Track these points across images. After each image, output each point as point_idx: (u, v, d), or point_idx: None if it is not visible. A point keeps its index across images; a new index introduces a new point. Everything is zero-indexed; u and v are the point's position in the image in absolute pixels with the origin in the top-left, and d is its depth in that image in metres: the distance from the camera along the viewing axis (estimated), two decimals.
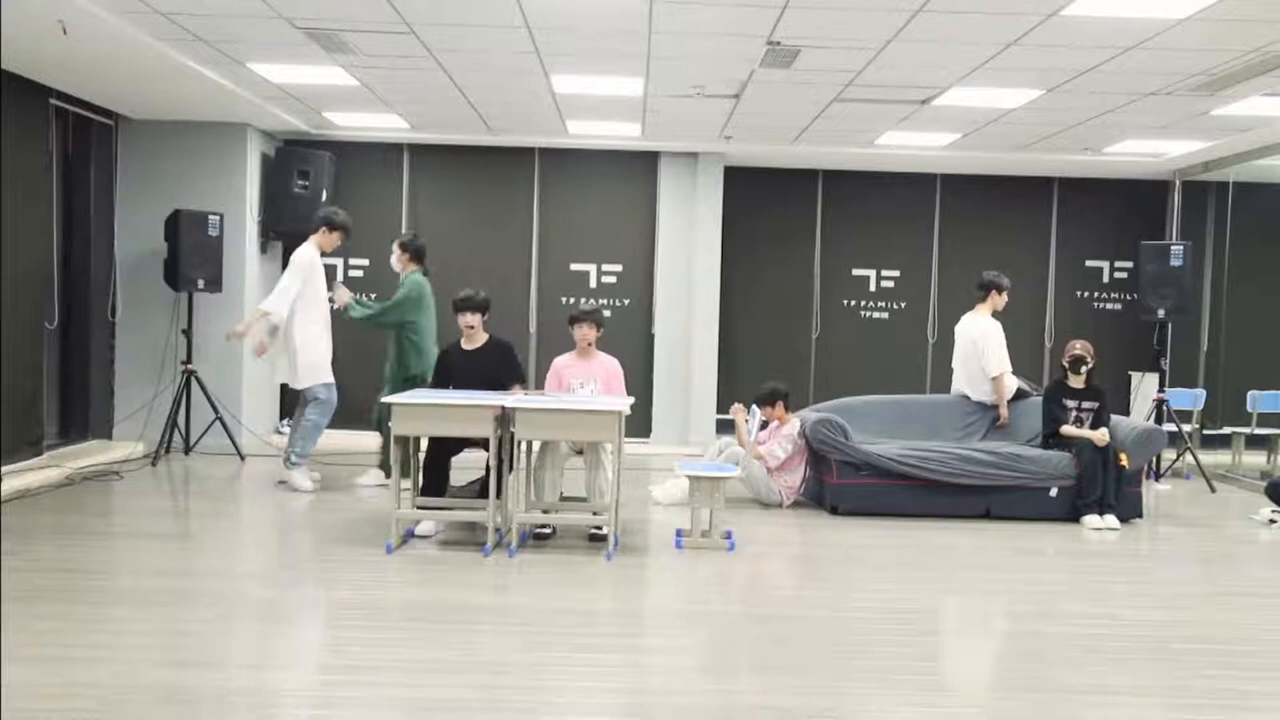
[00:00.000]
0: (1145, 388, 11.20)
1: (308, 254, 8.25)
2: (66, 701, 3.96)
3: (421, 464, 6.88)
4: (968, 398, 8.83)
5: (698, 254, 11.47)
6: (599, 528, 6.81)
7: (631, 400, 7.09)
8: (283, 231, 10.82)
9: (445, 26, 7.09)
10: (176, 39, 7.44)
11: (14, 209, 8.31)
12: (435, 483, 6.94)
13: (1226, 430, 10.92)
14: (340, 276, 11.48)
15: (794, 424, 8.27)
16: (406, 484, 6.70)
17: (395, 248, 8.44)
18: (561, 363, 7.54)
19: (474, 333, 7.31)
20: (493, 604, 5.59)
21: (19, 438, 8.55)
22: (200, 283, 9.68)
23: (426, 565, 6.24)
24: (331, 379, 8.39)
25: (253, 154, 10.49)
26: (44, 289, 9.11)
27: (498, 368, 7.22)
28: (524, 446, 6.77)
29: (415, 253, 8.38)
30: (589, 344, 7.45)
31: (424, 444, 6.92)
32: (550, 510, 6.96)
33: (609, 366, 7.50)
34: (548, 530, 6.94)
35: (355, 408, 11.18)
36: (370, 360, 11.35)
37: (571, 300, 11.43)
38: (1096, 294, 12.37)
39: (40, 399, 8.98)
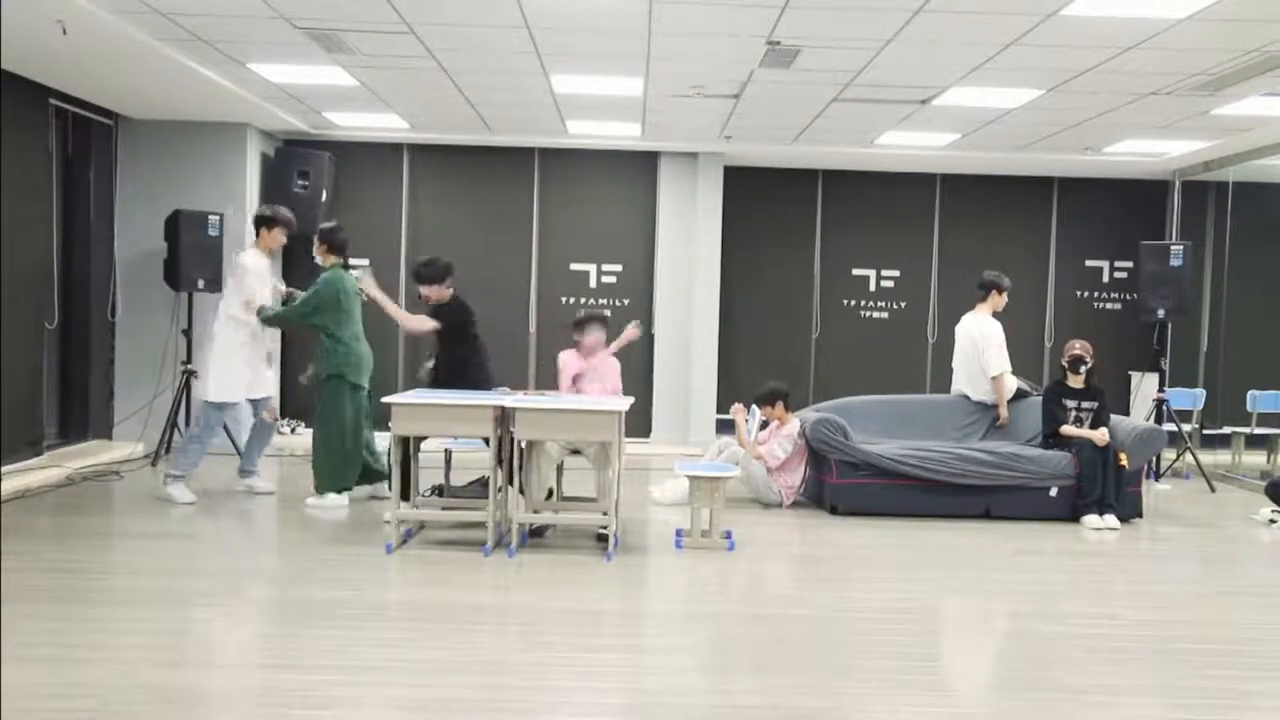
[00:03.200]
0: (1145, 388, 11.19)
1: (259, 259, 7.90)
2: (66, 701, 3.97)
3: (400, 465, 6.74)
4: (968, 398, 8.82)
5: (698, 254, 11.47)
6: (605, 527, 6.81)
7: (631, 400, 7.10)
8: None
9: (445, 26, 7.09)
10: (176, 39, 7.44)
11: (14, 209, 8.31)
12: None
13: (1226, 430, 10.92)
14: None
15: (794, 424, 8.27)
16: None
17: (315, 238, 7.86)
18: (570, 359, 7.54)
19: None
20: (493, 604, 5.59)
21: (19, 438, 8.55)
22: (200, 283, 9.66)
23: (426, 565, 6.25)
24: (235, 400, 7.85)
25: (253, 154, 10.48)
26: (44, 289, 9.12)
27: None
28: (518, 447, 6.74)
29: (335, 244, 7.70)
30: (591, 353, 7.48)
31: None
32: (539, 509, 6.93)
33: (614, 369, 7.53)
34: (540, 528, 6.93)
35: None
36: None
37: (571, 300, 11.43)
38: (1096, 294, 12.37)
39: (40, 399, 8.98)
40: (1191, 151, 10.64)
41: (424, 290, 7.49)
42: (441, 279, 7.49)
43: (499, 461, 6.57)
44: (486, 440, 6.57)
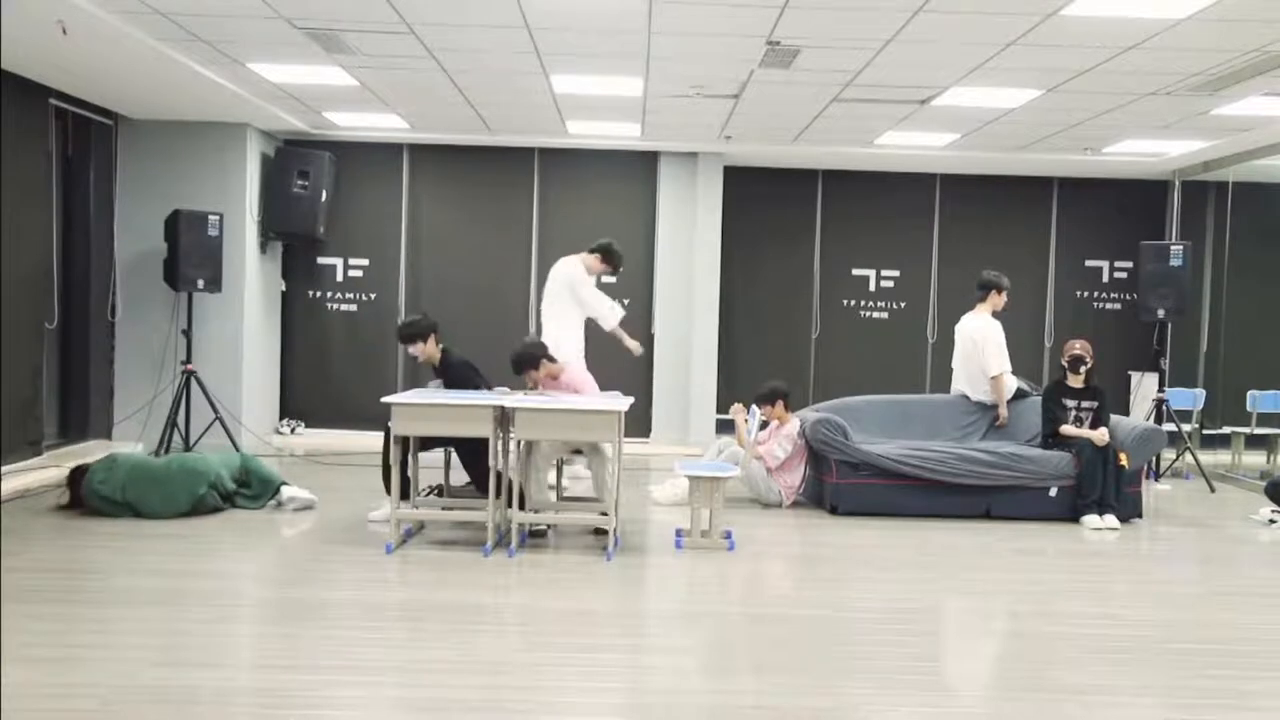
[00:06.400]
0: (1145, 388, 11.20)
1: (580, 272, 8.43)
2: (66, 701, 3.97)
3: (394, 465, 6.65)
4: (967, 398, 8.82)
5: (698, 254, 11.46)
6: (604, 518, 6.81)
7: (631, 400, 7.09)
8: (282, 231, 10.83)
9: (445, 26, 7.09)
10: (176, 39, 7.44)
11: (14, 209, 8.30)
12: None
13: (1226, 430, 10.92)
14: (340, 276, 11.51)
15: (794, 424, 8.27)
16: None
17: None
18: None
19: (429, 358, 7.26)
20: (493, 604, 5.59)
21: (19, 438, 8.55)
22: (200, 283, 9.66)
23: (426, 565, 6.24)
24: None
25: (253, 154, 10.48)
26: (44, 289, 9.11)
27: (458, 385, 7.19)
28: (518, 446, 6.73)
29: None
30: (537, 386, 7.31)
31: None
32: (541, 510, 6.93)
33: (575, 380, 7.46)
34: (542, 527, 6.93)
35: (349, 407, 11.25)
36: (369, 360, 11.40)
37: None
38: (1096, 294, 12.36)
39: (40, 399, 8.98)
40: (1191, 151, 10.64)
41: (412, 350, 7.24)
42: (424, 337, 7.15)
43: (499, 461, 6.56)
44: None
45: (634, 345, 8.59)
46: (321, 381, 11.48)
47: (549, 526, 7.01)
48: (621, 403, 6.79)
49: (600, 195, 11.63)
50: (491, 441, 6.43)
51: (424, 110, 9.92)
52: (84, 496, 7.16)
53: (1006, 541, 7.32)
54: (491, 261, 11.46)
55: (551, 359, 7.34)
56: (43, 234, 9.07)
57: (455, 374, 7.21)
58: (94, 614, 5.15)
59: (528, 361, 7.22)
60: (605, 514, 6.73)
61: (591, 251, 8.48)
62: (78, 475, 7.24)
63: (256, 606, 5.51)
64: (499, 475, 6.55)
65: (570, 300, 8.29)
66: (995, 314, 8.74)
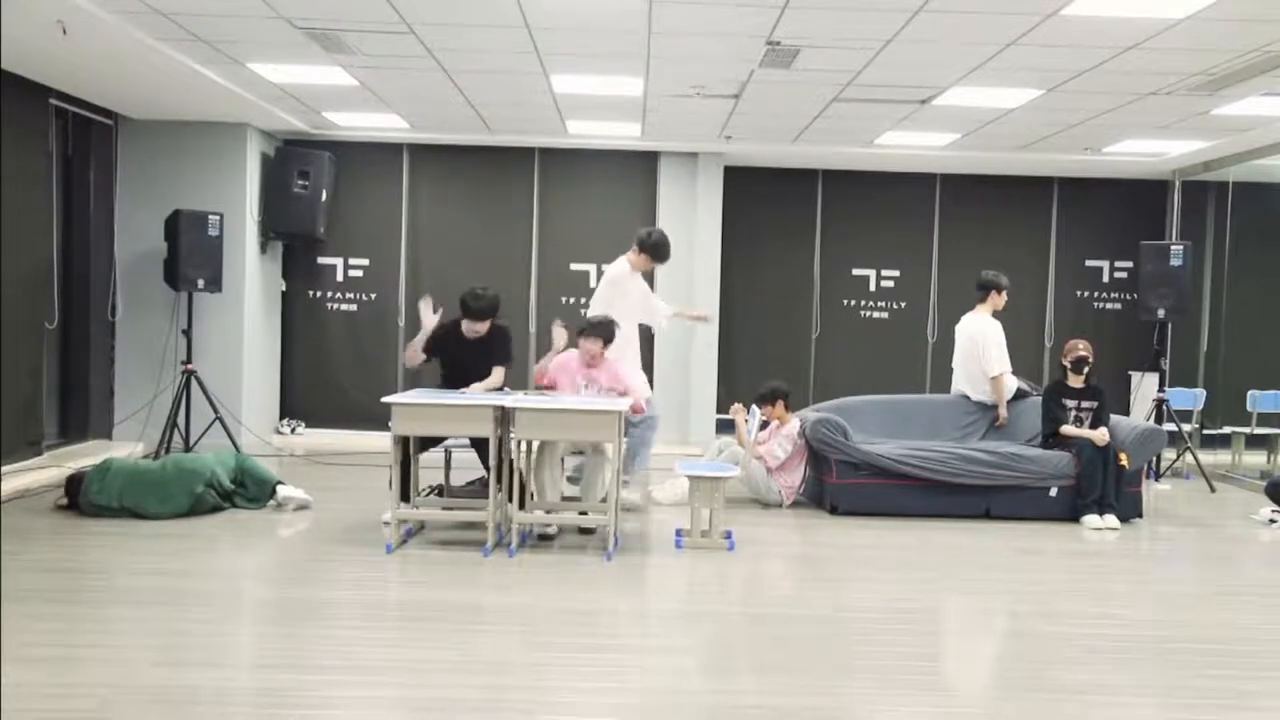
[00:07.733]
0: (1145, 388, 11.19)
1: (621, 269, 8.09)
2: (66, 701, 3.97)
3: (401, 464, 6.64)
4: (967, 398, 8.82)
5: (698, 254, 11.46)
6: (588, 518, 6.89)
7: (630, 400, 7.07)
8: (283, 231, 10.84)
9: (445, 26, 7.09)
10: (176, 39, 7.44)
11: (14, 209, 8.30)
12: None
13: (1226, 430, 10.92)
14: (340, 276, 11.51)
15: (794, 424, 8.27)
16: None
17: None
18: (570, 360, 7.47)
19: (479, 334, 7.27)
20: (493, 604, 5.59)
21: (19, 438, 8.54)
22: (200, 283, 9.66)
23: (426, 565, 6.25)
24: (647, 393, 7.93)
25: (253, 154, 10.48)
26: (44, 289, 9.11)
27: (492, 350, 7.18)
28: (521, 446, 6.73)
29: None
30: (594, 357, 7.32)
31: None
32: (552, 510, 6.94)
33: (612, 370, 7.46)
34: (552, 531, 6.93)
35: (349, 407, 11.26)
36: (369, 360, 11.40)
37: (571, 300, 11.42)
38: (1096, 294, 12.36)
39: (40, 399, 8.98)
40: (1191, 151, 10.64)
41: (479, 327, 7.10)
42: (496, 313, 7.17)
43: (500, 461, 6.55)
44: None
45: (698, 315, 9.14)
46: (321, 381, 11.48)
47: (558, 528, 6.98)
48: (621, 403, 6.79)
49: (600, 195, 11.63)
50: (492, 441, 6.43)
51: (424, 110, 9.92)
52: (81, 507, 7.16)
53: (1006, 541, 7.32)
54: (492, 261, 11.44)
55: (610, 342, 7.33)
56: (43, 234, 9.07)
57: (499, 337, 7.21)
58: (94, 614, 5.15)
59: (599, 334, 7.22)
60: (598, 513, 6.77)
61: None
62: (74, 484, 7.23)
63: (256, 606, 5.51)
64: (506, 470, 6.55)
65: (617, 299, 7.95)
66: (995, 314, 8.74)
